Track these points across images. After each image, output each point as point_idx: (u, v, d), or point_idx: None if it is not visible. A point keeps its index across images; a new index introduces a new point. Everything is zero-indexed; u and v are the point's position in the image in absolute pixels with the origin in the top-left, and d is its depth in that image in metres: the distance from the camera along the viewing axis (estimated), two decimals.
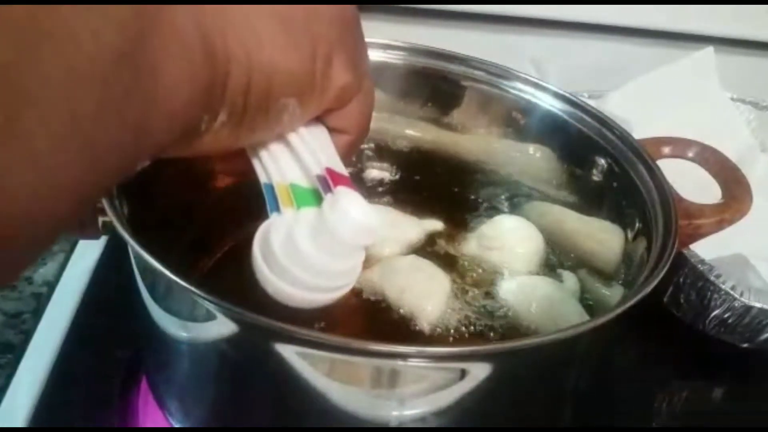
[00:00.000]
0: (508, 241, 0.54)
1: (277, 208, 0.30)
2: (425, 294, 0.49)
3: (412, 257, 0.53)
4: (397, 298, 0.49)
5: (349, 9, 0.31)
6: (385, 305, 0.49)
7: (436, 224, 0.58)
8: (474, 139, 0.58)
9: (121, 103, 0.20)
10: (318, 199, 0.30)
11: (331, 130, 0.33)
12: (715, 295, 0.54)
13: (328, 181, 0.29)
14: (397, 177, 0.61)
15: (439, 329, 0.48)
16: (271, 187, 0.31)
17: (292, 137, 0.31)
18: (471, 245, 0.55)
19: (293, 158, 0.31)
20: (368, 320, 0.49)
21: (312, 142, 0.31)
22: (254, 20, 0.26)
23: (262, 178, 0.32)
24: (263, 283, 0.29)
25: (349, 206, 0.28)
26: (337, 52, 0.29)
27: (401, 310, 0.49)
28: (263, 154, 0.32)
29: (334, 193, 0.29)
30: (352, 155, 0.34)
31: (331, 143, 0.32)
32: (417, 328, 0.48)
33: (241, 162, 0.32)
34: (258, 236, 0.30)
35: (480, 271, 0.53)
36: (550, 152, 0.55)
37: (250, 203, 0.48)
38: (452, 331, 0.48)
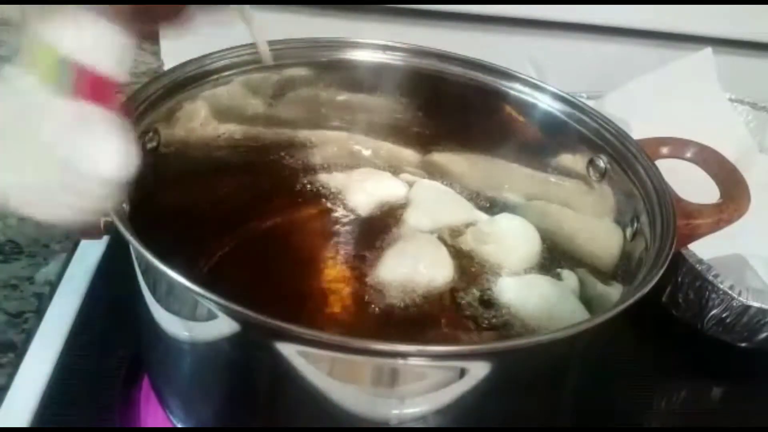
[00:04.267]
0: (502, 238, 0.55)
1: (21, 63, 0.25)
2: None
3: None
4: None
5: None
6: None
7: (482, 215, 0.59)
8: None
9: None
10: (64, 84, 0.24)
11: None
12: (713, 295, 0.54)
13: (84, 83, 0.24)
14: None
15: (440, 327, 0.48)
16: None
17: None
18: (467, 238, 0.56)
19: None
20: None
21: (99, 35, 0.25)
22: None
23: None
24: None
25: (103, 140, 0.23)
26: None
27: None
28: None
29: (86, 109, 0.24)
30: None
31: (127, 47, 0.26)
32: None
33: None
34: None
35: (475, 265, 0.54)
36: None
37: (251, 204, 0.49)
38: (452, 329, 0.49)
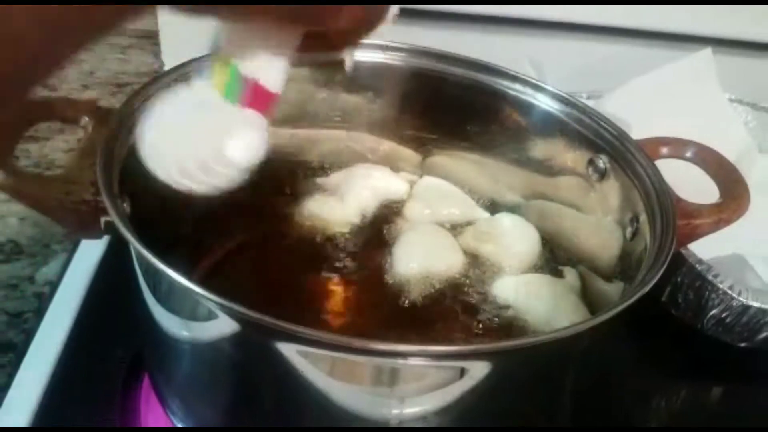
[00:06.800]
0: (502, 238, 0.55)
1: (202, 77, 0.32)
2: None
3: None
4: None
5: None
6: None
7: (483, 214, 0.59)
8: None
9: None
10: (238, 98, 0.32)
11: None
12: (713, 295, 0.54)
13: (247, 94, 0.32)
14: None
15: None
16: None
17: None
18: (466, 237, 0.56)
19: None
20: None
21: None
22: None
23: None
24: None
25: (243, 135, 0.31)
26: None
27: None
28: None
29: (245, 112, 0.31)
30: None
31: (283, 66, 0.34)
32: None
33: None
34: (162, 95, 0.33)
35: (475, 264, 0.54)
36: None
37: (253, 204, 0.49)
38: (453, 330, 0.49)
